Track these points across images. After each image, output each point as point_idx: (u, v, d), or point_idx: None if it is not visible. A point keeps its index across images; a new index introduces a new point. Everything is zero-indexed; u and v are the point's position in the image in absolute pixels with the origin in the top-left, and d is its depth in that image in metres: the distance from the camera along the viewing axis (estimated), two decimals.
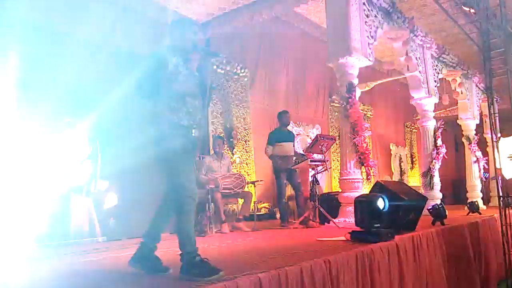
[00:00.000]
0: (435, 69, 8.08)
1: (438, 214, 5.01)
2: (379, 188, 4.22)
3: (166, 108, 2.43)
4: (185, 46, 2.61)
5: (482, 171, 9.50)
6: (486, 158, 9.70)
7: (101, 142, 5.47)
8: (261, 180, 6.34)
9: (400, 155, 12.98)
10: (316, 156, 6.05)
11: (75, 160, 5.18)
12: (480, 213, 6.75)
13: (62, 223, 4.79)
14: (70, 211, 4.95)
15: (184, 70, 2.53)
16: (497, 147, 6.45)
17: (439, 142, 7.64)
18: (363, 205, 3.65)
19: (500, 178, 6.12)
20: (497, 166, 6.26)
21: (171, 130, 2.41)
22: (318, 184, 5.73)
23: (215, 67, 7.22)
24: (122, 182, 5.61)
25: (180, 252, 2.35)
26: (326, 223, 5.50)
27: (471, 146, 9.50)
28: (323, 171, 5.74)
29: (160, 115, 2.44)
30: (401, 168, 12.87)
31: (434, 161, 7.44)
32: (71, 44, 5.16)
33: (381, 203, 3.64)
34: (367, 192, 4.61)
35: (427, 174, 7.47)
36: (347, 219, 5.30)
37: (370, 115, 11.52)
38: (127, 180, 5.65)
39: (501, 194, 5.85)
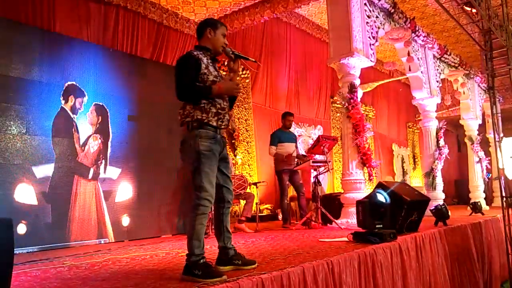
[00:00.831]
0: (437, 69, 8.06)
1: (440, 214, 5.00)
2: (382, 188, 4.21)
3: (196, 108, 2.46)
4: (215, 47, 2.64)
5: (485, 171, 9.48)
6: (489, 158, 9.68)
7: (112, 114, 5.10)
8: (263, 182, 6.33)
9: (402, 155, 12.97)
10: (318, 157, 6.05)
11: (79, 133, 4.55)
12: (483, 214, 6.73)
13: (61, 222, 4.72)
14: (73, 197, 4.69)
15: (214, 71, 2.56)
16: (500, 147, 6.43)
17: (442, 142, 7.63)
18: (365, 205, 3.65)
19: (503, 178, 6.10)
20: (500, 166, 6.25)
21: (200, 130, 2.45)
22: (320, 185, 5.72)
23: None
24: (138, 173, 5.43)
25: (187, 253, 2.37)
26: (328, 224, 5.49)
27: (473, 146, 9.48)
28: (325, 172, 5.73)
29: (190, 115, 2.47)
30: (403, 169, 12.85)
31: (436, 161, 7.43)
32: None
33: (381, 198, 3.66)
34: (369, 193, 4.61)
35: (429, 175, 7.45)
36: (349, 220, 5.30)
37: (372, 115, 11.51)
38: (142, 172, 5.51)
39: (504, 194, 5.83)
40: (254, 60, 2.84)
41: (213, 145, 2.47)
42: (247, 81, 7.83)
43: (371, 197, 3.70)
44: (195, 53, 2.54)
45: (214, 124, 2.48)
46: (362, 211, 3.66)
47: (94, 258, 3.46)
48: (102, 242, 4.98)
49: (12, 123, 4.38)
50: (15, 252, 4.01)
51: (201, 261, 2.32)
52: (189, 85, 2.46)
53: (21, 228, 4.27)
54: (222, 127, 2.54)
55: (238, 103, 7.59)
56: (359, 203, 3.76)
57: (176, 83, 2.48)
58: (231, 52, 2.66)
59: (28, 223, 4.32)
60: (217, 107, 2.50)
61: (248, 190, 5.73)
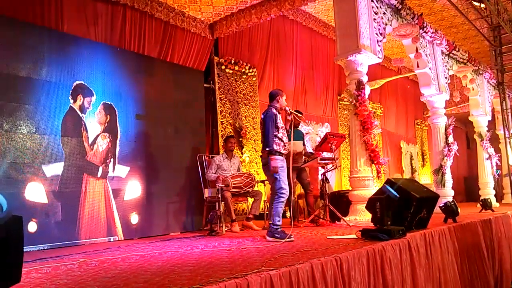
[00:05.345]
0: (446, 66, 7.99)
1: (450, 211, 4.96)
2: (390, 185, 4.19)
3: None
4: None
5: (494, 168, 9.38)
6: (499, 154, 9.57)
7: (120, 113, 5.15)
8: None
9: (410, 152, 12.88)
10: (325, 154, 6.03)
11: (88, 132, 4.69)
12: (493, 210, 6.67)
13: (71, 219, 4.77)
14: (82, 196, 4.75)
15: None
16: (510, 144, 6.38)
17: (451, 139, 7.56)
18: (381, 201, 3.63)
19: None
20: (510, 162, 6.19)
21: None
22: (328, 182, 5.71)
23: (223, 67, 7.24)
24: (146, 172, 5.44)
25: (270, 222, 4.03)
26: (336, 222, 5.48)
27: (483, 142, 9.38)
28: (333, 169, 5.71)
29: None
30: (412, 166, 12.76)
31: (445, 158, 7.37)
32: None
33: (391, 193, 3.66)
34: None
35: (438, 172, 7.39)
36: (357, 217, 5.28)
37: (380, 113, 11.44)
38: (151, 171, 5.51)
39: None
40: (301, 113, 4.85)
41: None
42: (253, 79, 7.83)
43: (389, 196, 3.69)
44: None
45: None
46: (379, 208, 3.63)
47: (104, 256, 3.49)
48: (112, 240, 5.03)
49: (22, 122, 4.44)
50: (26, 250, 4.07)
51: (279, 229, 3.94)
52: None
53: (32, 226, 4.32)
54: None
55: (245, 101, 7.60)
56: (372, 200, 3.74)
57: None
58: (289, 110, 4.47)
59: (39, 221, 4.38)
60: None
61: (256, 188, 5.74)
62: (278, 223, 4.00)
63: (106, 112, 5.21)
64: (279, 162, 4.08)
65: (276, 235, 3.90)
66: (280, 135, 4.21)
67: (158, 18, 6.31)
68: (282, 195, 4.05)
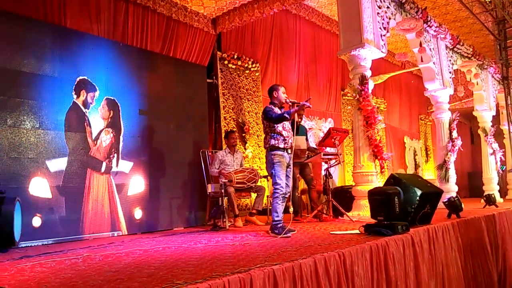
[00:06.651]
0: (450, 60, 7.94)
1: (453, 207, 4.95)
2: (394, 180, 4.18)
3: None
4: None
5: (498, 163, 9.34)
6: (503, 150, 9.53)
7: (123, 108, 5.19)
8: None
9: (414, 148, 12.83)
10: (329, 150, 6.02)
11: (92, 127, 4.76)
12: (497, 206, 6.64)
13: (74, 214, 4.80)
14: (86, 191, 4.79)
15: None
16: None
17: (455, 134, 7.53)
18: (378, 197, 3.63)
19: None
20: None
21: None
22: (331, 177, 5.70)
23: (226, 62, 7.22)
24: (149, 167, 5.47)
25: (273, 219, 4.01)
26: (339, 217, 5.47)
27: (487, 138, 9.34)
28: (336, 164, 5.70)
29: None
30: (415, 161, 12.71)
31: (449, 153, 7.34)
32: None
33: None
34: (381, 185, 4.58)
35: (442, 167, 7.37)
36: (360, 212, 5.28)
37: (384, 108, 11.39)
38: (154, 166, 5.54)
39: None
40: (305, 102, 4.25)
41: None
42: (257, 74, 7.81)
43: (387, 193, 3.69)
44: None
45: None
46: (375, 203, 3.63)
47: (108, 250, 3.50)
48: (115, 234, 5.05)
49: (25, 117, 4.45)
50: (30, 245, 4.10)
51: (279, 225, 3.92)
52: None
53: (36, 221, 4.34)
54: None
55: (248, 97, 7.59)
56: (371, 194, 3.73)
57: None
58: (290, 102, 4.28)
59: (43, 216, 4.40)
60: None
61: (259, 183, 5.74)
62: (276, 218, 3.98)
63: (109, 107, 5.22)
64: (276, 157, 4.08)
65: (275, 231, 3.91)
66: (279, 129, 4.15)
67: (160, 13, 6.29)
68: (277, 191, 4.05)
